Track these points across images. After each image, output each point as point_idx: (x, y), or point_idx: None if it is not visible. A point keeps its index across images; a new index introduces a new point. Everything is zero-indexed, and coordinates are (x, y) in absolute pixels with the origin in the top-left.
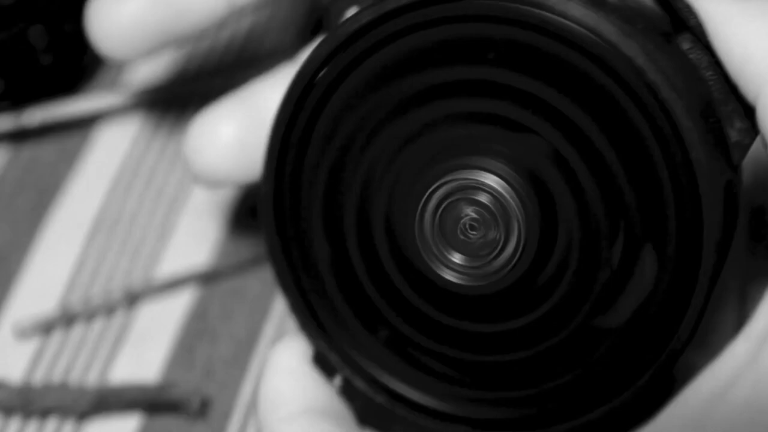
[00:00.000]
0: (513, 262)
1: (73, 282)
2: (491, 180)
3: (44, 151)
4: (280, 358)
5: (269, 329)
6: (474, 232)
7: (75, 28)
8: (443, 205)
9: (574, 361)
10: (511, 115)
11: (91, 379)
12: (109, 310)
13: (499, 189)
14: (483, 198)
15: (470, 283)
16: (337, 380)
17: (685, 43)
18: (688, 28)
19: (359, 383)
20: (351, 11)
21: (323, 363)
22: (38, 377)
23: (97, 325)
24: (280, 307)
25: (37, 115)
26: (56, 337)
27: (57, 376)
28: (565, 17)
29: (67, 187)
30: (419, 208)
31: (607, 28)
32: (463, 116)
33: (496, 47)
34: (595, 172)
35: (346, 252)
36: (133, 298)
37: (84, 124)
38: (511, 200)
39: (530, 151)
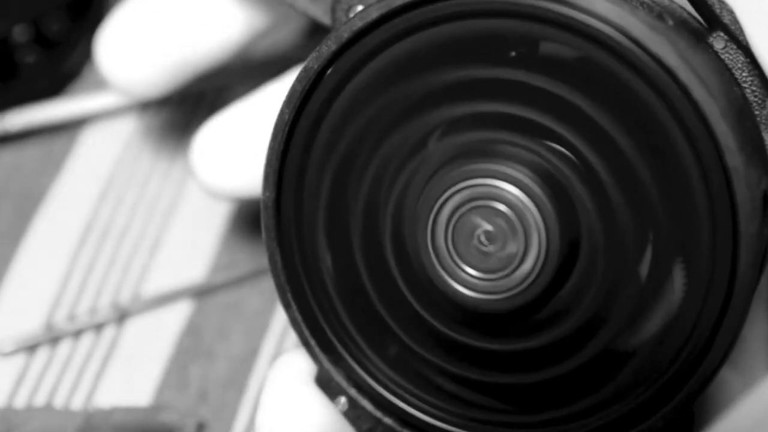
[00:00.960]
0: (532, 277)
1: (58, 297)
2: (509, 188)
3: (27, 156)
4: (280, 378)
5: (268, 347)
6: (490, 244)
7: (60, 26)
8: (457, 215)
9: (597, 383)
10: (530, 119)
11: (78, 401)
12: (97, 327)
13: (518, 198)
14: (500, 207)
15: (486, 299)
16: (342, 401)
17: (719, 42)
18: (721, 25)
19: (366, 404)
20: (358, 8)
21: (327, 382)
22: (21, 399)
23: (85, 343)
24: (279, 323)
25: (20, 118)
26: (40, 356)
27: (41, 399)
28: (590, 14)
29: (52, 196)
30: (431, 217)
31: (635, 25)
32: (479, 119)
33: (515, 46)
34: (621, 179)
35: (353, 263)
36: (122, 315)
37: (70, 128)
38: (530, 210)
39: (551, 157)
